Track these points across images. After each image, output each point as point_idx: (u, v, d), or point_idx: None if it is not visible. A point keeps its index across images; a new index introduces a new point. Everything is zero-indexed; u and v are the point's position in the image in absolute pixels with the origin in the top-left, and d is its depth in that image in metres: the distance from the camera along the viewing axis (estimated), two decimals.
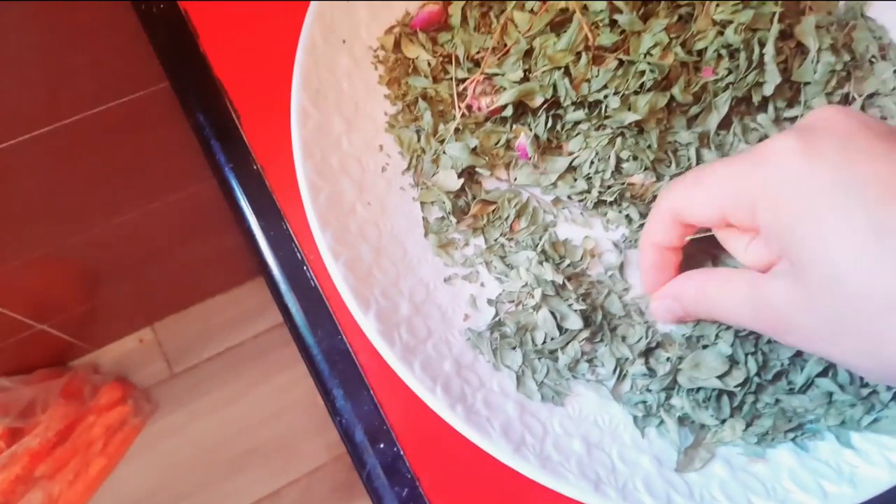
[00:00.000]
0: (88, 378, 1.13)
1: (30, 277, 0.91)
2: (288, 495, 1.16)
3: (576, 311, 0.34)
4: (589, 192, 0.37)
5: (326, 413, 1.19)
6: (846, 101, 0.40)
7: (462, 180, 0.37)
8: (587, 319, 0.35)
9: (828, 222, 0.23)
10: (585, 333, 0.35)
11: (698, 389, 0.35)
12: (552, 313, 0.34)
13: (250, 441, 1.18)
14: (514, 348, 0.35)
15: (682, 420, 0.35)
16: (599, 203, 0.37)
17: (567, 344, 0.34)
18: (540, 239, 0.36)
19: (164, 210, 0.93)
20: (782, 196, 0.24)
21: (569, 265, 0.36)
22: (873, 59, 0.41)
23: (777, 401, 0.35)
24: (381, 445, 0.35)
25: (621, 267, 0.38)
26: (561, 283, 0.35)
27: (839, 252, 0.23)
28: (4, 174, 0.72)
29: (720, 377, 0.34)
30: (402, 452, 0.34)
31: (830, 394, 0.35)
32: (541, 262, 0.35)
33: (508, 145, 0.38)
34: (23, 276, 0.89)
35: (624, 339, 0.36)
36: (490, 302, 0.36)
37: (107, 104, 0.72)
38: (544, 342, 0.35)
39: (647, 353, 0.35)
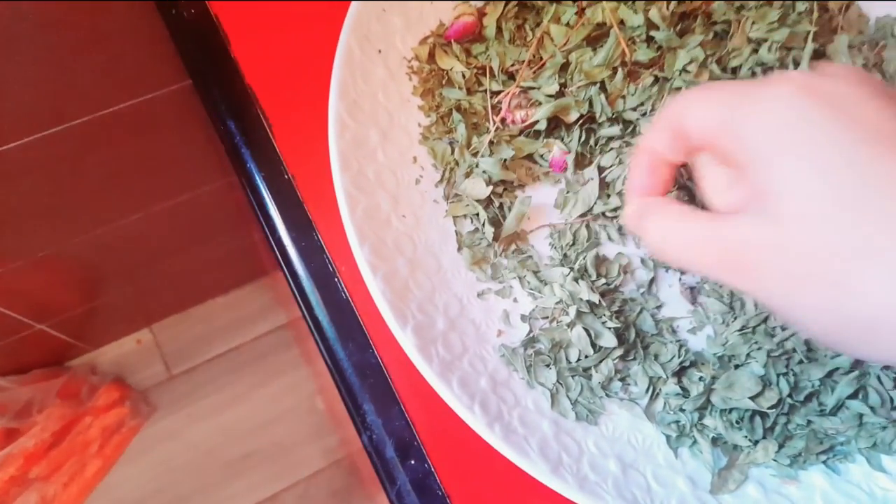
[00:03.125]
0: (86, 379, 1.12)
1: (31, 277, 0.90)
2: (286, 500, 1.15)
3: (610, 328, 0.34)
4: (622, 208, 0.37)
5: (324, 418, 1.17)
6: None
7: (490, 188, 0.37)
8: (620, 337, 0.35)
9: (816, 156, 0.22)
10: (619, 351, 0.34)
11: (731, 410, 0.35)
12: (586, 331, 0.34)
13: (248, 445, 1.17)
14: (548, 366, 0.34)
15: (715, 441, 0.35)
16: None
17: (601, 362, 0.34)
18: (584, 258, 0.36)
19: (167, 212, 0.93)
20: (777, 120, 0.23)
21: (603, 283, 0.36)
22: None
23: (809, 422, 0.35)
24: (412, 462, 0.34)
25: (652, 283, 0.37)
26: (596, 301, 0.34)
27: (821, 188, 0.22)
28: (11, 175, 0.71)
29: (753, 398, 0.34)
30: (432, 469, 0.34)
31: (861, 416, 0.35)
32: (576, 280, 0.35)
33: (542, 157, 0.38)
34: (24, 276, 0.88)
35: (657, 357, 0.36)
36: (523, 318, 0.35)
37: (114, 107, 0.71)
38: (578, 360, 0.34)
39: (680, 372, 0.35)
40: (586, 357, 0.34)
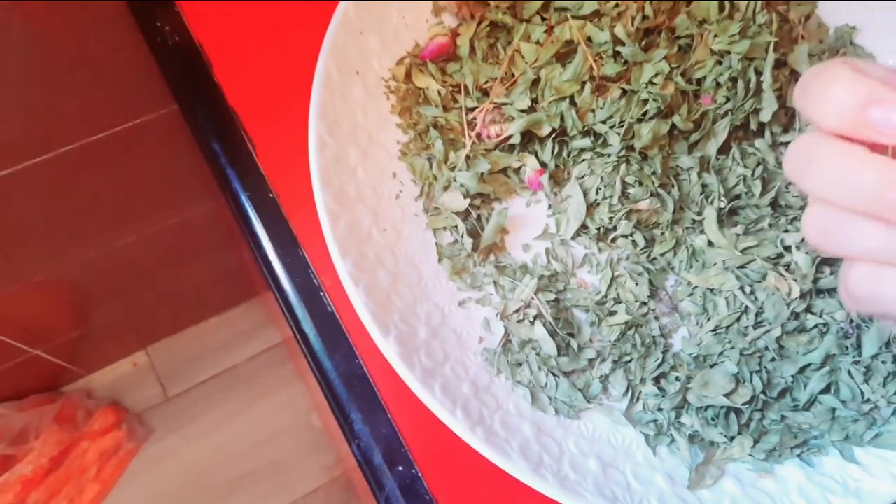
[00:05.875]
0: (82, 403, 1.12)
1: (24, 302, 0.90)
2: None
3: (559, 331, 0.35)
4: (602, 223, 0.38)
5: (321, 435, 1.18)
6: None
7: (468, 201, 0.38)
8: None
9: None
10: (608, 364, 0.36)
11: (707, 408, 0.36)
12: (547, 329, 0.35)
13: (245, 464, 1.17)
14: (519, 365, 0.36)
15: (692, 438, 0.36)
16: (608, 230, 0.39)
17: (584, 371, 0.35)
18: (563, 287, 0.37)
19: (159, 234, 0.94)
20: None
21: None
22: None
23: (783, 417, 0.36)
24: (400, 468, 0.35)
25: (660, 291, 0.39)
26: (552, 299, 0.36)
27: None
28: (2, 201, 0.72)
29: (728, 395, 0.35)
30: (419, 474, 0.35)
31: (833, 410, 0.36)
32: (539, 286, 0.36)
33: (517, 171, 0.40)
34: (17, 301, 0.89)
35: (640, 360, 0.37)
36: (497, 315, 0.37)
37: (106, 132, 0.72)
38: (550, 356, 0.35)
39: (659, 375, 0.36)
40: (556, 357, 0.35)
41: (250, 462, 1.17)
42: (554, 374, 0.35)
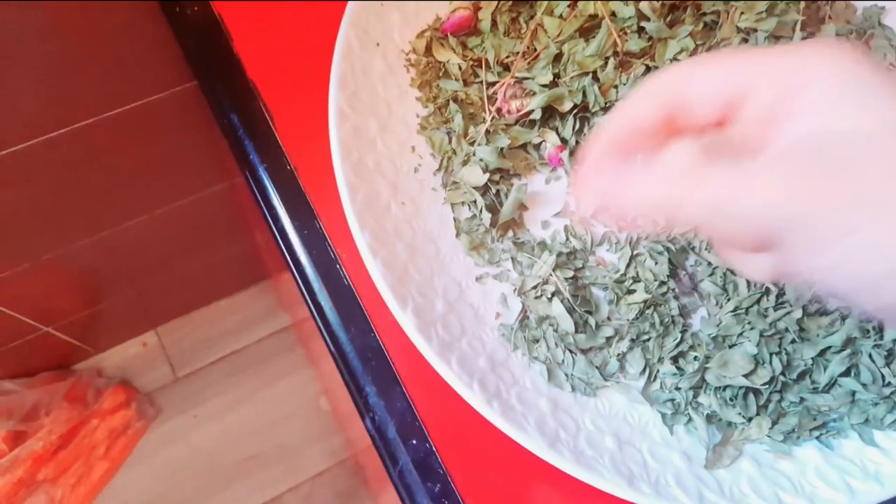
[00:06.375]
0: (92, 382, 1.13)
1: (36, 280, 0.91)
2: (290, 501, 1.15)
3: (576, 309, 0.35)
4: None
5: (329, 419, 1.18)
6: None
7: (487, 176, 0.38)
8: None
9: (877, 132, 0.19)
10: (627, 341, 0.35)
11: (725, 388, 0.36)
12: (566, 306, 0.35)
13: (252, 446, 1.18)
14: (536, 341, 0.35)
15: (710, 418, 0.35)
16: None
17: (602, 349, 0.35)
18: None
19: (171, 215, 0.94)
20: (833, 73, 0.20)
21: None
22: (891, 67, 0.42)
23: (802, 399, 0.36)
24: (414, 441, 0.35)
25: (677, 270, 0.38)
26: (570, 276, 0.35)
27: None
28: (14, 178, 0.72)
29: (747, 375, 0.35)
30: (434, 448, 0.35)
31: (853, 393, 0.35)
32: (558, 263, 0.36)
33: (537, 147, 0.39)
34: (29, 278, 0.89)
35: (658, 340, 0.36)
36: (514, 291, 0.36)
37: (117, 109, 0.72)
38: (568, 332, 0.35)
39: (677, 355, 0.36)
40: (573, 334, 0.35)
41: (257, 444, 1.18)
42: (571, 351, 0.35)
